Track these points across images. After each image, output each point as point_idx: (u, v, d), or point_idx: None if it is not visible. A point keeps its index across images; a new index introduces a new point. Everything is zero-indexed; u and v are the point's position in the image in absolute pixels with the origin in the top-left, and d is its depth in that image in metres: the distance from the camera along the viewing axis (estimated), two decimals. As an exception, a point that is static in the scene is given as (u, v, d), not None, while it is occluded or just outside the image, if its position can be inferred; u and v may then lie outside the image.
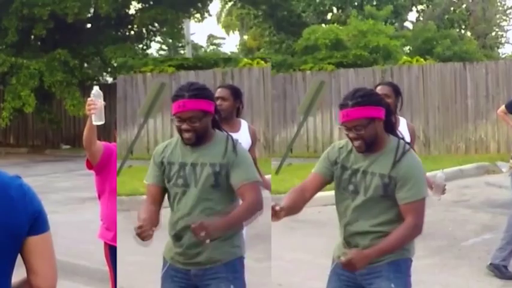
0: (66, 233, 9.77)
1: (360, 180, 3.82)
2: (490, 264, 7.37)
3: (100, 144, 5.03)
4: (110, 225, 5.29)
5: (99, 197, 5.32)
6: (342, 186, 3.90)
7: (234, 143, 3.93)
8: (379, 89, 5.66)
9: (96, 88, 4.73)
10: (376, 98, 3.84)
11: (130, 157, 15.30)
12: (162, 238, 4.05)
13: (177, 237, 3.97)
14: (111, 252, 5.33)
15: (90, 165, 5.13)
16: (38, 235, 2.60)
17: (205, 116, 3.87)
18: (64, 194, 13.63)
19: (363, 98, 3.73)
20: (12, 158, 21.50)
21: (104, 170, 5.14)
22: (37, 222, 2.60)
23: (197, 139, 3.89)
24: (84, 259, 8.30)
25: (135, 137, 16.43)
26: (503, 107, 8.71)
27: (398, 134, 3.92)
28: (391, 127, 3.87)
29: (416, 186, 3.74)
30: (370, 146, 3.77)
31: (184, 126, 3.85)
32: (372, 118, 3.72)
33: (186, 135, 3.87)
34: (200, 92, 3.88)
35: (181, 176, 3.93)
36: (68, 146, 24.73)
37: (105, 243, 5.35)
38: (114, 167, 5.29)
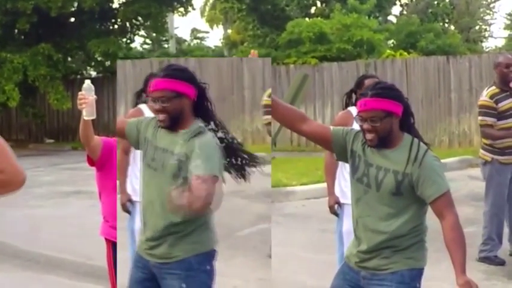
0: (50, 227, 9.75)
1: (372, 175, 3.70)
2: (479, 258, 7.47)
3: (99, 140, 4.86)
4: (115, 223, 5.13)
5: (100, 194, 5.16)
6: (357, 175, 3.77)
7: (196, 132, 3.70)
8: (368, 82, 5.72)
9: (87, 82, 4.55)
10: (397, 93, 3.71)
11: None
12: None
13: (143, 223, 3.88)
14: (115, 250, 5.15)
15: (91, 162, 4.98)
16: None
17: (177, 97, 3.69)
18: (48, 188, 13.57)
19: (384, 90, 3.65)
20: (-4, 153, 21.38)
21: (105, 166, 4.99)
22: None
23: (171, 122, 3.72)
24: (68, 253, 8.27)
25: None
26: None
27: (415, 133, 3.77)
28: (407, 127, 3.75)
29: (440, 179, 3.63)
30: (382, 141, 3.66)
31: (156, 106, 3.72)
32: (390, 112, 3.62)
33: (160, 116, 3.72)
34: (175, 73, 3.72)
35: (154, 159, 3.79)
36: (51, 140, 24.64)
37: (108, 241, 5.18)
38: (115, 163, 5.15)
